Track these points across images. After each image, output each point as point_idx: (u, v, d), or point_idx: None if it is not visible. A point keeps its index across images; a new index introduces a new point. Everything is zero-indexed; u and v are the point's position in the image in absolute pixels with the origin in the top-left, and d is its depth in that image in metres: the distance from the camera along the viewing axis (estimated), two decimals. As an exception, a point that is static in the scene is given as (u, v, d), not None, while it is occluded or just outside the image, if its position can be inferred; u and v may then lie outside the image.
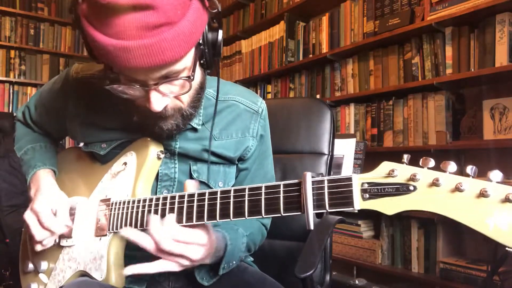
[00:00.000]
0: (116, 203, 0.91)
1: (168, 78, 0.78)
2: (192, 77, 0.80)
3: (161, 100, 0.80)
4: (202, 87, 0.89)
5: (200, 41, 0.81)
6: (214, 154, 0.97)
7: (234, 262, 0.94)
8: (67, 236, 0.95)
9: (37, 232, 0.91)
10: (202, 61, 0.84)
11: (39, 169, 1.02)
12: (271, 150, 1.11)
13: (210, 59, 0.85)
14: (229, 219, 0.76)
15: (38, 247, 0.93)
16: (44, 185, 0.98)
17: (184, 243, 0.78)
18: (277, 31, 3.26)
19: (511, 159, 1.98)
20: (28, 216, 0.92)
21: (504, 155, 1.99)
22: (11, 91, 4.03)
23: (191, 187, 0.82)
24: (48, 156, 1.08)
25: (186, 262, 0.80)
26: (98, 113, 0.98)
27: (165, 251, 0.78)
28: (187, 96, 0.85)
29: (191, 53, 0.79)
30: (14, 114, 1.28)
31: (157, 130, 0.88)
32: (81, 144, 1.06)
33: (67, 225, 0.93)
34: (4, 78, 3.98)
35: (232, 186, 0.98)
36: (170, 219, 0.79)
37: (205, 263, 0.85)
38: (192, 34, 0.74)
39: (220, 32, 0.83)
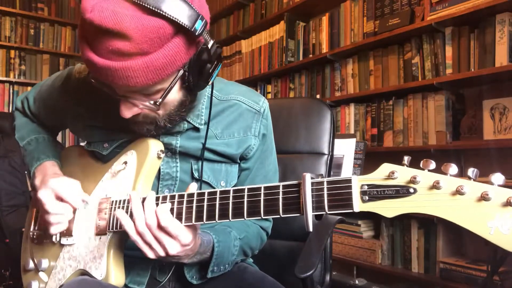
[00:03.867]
0: (116, 202, 0.91)
1: (137, 93, 0.80)
2: (158, 104, 0.80)
3: (130, 109, 0.82)
4: (184, 105, 0.88)
5: (186, 68, 0.80)
6: (215, 152, 0.97)
7: (226, 266, 0.94)
8: (68, 233, 0.95)
9: (53, 206, 0.91)
10: (185, 85, 0.84)
11: (44, 160, 1.04)
12: (274, 148, 1.11)
13: (195, 84, 0.84)
14: (228, 220, 0.75)
15: (53, 229, 0.92)
16: (52, 173, 1.00)
17: (168, 234, 0.77)
18: (277, 31, 3.25)
19: (511, 159, 1.98)
20: (43, 192, 0.92)
21: (504, 155, 1.99)
22: (11, 91, 4.03)
23: (193, 190, 0.83)
24: (51, 149, 1.10)
25: (162, 253, 0.79)
26: (100, 114, 0.98)
27: (139, 232, 0.77)
28: (163, 110, 0.85)
29: (170, 77, 0.79)
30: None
31: (135, 129, 0.89)
32: (82, 143, 1.06)
33: (83, 199, 0.94)
34: (4, 78, 3.98)
35: (233, 186, 0.98)
36: (164, 207, 0.78)
37: (182, 262, 0.86)
38: (165, 67, 0.74)
39: (208, 65, 0.81)
